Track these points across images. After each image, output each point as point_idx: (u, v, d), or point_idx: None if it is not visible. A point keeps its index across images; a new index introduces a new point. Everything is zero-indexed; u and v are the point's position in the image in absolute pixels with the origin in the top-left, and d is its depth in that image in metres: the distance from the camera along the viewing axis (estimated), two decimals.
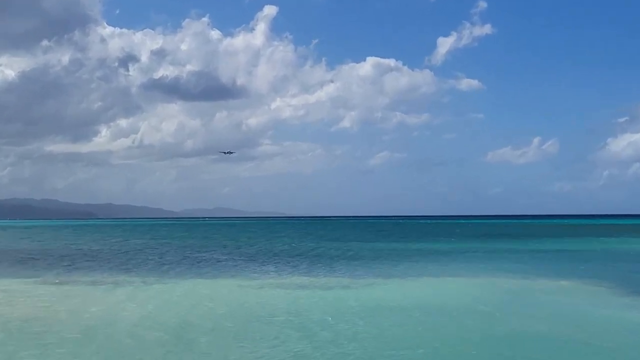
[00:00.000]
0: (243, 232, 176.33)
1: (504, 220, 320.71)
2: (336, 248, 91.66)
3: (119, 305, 36.93)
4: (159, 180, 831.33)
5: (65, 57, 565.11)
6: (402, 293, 41.20)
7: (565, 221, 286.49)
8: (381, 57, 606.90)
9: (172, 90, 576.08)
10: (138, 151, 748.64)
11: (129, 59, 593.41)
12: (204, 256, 77.40)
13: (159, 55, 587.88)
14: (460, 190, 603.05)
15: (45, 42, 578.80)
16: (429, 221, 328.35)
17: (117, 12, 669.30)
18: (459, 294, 40.62)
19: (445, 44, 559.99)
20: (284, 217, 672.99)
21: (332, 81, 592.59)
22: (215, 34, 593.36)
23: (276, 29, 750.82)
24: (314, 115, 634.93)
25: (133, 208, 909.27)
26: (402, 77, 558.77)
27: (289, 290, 43.06)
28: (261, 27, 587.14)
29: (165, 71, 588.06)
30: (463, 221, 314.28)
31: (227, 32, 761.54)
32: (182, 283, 48.18)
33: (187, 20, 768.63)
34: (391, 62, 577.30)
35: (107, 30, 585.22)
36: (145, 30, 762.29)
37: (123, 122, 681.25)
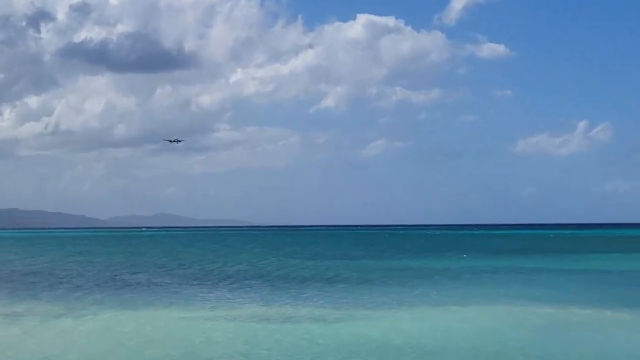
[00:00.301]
0: (190, 246, 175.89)
1: (538, 231, 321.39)
2: (311, 268, 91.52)
3: (15, 343, 36.63)
4: (81, 177, 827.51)
5: None
6: (395, 327, 41.22)
7: (619, 232, 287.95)
8: (376, 15, 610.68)
9: (99, 58, 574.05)
10: (53, 139, 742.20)
11: (40, 16, 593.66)
12: (135, 278, 77.21)
13: (81, 11, 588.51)
14: (481, 190, 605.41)
15: None
16: (438, 232, 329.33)
17: None
18: (470, 328, 40.73)
19: None
20: (246, 226, 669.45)
21: (311, 46, 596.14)
22: None
23: None
24: (288, 92, 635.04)
25: (46, 215, 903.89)
26: (405, 41, 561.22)
27: (245, 324, 43.05)
28: None
29: (89, 33, 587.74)
30: (484, 232, 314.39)
31: None
32: (102, 314, 47.97)
33: None
34: (390, 20, 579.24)
35: None
36: None
37: (33, 101, 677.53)
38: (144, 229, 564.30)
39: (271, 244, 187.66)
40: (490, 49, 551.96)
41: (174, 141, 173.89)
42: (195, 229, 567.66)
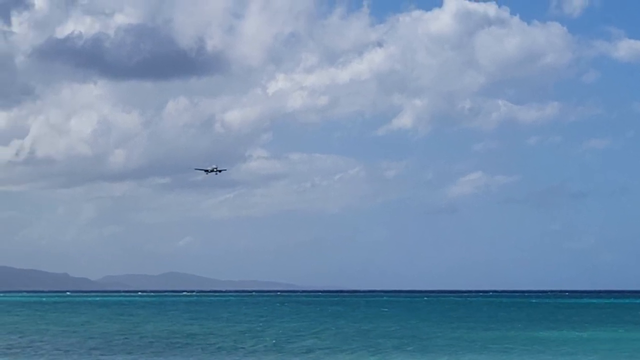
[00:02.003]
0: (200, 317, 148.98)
1: None
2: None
3: None
4: (63, 223, 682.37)
5: None
6: None
7: None
8: (471, 0, 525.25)
9: (90, 60, 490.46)
10: (26, 170, 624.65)
11: (12, 3, 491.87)
12: None
13: None
14: (617, 244, 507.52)
15: None
16: (561, 300, 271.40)
17: None
18: None
19: None
20: (288, 291, 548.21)
21: (380, 44, 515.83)
22: None
23: None
24: (347, 107, 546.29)
25: (14, 273, 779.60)
26: (511, 37, 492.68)
27: None
28: None
29: (77, 25, 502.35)
30: (626, 301, 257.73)
31: None
32: None
33: None
34: (490, 8, 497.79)
35: None
36: None
37: (0, 117, 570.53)
38: (139, 292, 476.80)
39: (319, 315, 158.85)
40: (630, 48, 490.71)
41: (212, 171, 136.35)
42: (216, 294, 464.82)
